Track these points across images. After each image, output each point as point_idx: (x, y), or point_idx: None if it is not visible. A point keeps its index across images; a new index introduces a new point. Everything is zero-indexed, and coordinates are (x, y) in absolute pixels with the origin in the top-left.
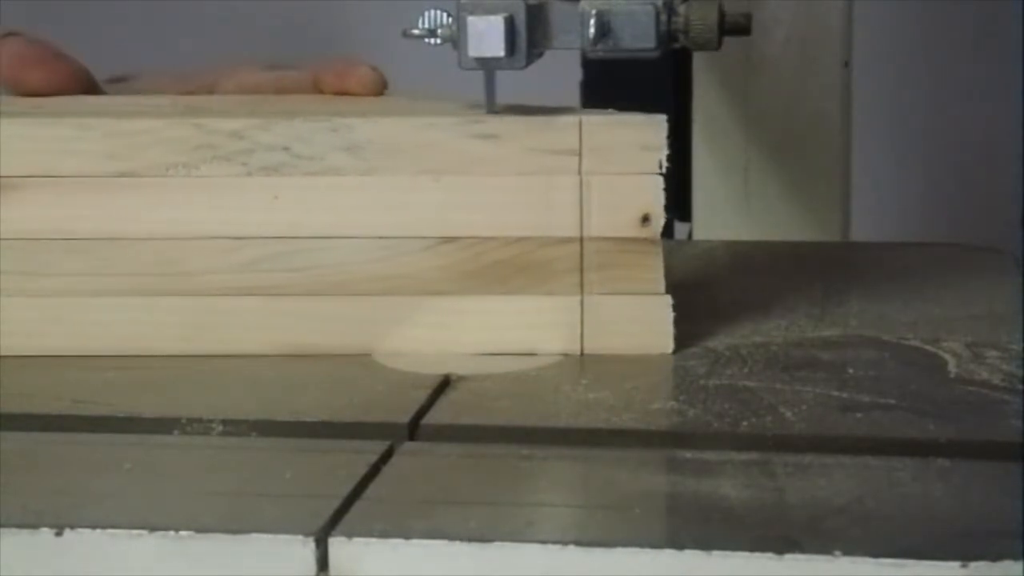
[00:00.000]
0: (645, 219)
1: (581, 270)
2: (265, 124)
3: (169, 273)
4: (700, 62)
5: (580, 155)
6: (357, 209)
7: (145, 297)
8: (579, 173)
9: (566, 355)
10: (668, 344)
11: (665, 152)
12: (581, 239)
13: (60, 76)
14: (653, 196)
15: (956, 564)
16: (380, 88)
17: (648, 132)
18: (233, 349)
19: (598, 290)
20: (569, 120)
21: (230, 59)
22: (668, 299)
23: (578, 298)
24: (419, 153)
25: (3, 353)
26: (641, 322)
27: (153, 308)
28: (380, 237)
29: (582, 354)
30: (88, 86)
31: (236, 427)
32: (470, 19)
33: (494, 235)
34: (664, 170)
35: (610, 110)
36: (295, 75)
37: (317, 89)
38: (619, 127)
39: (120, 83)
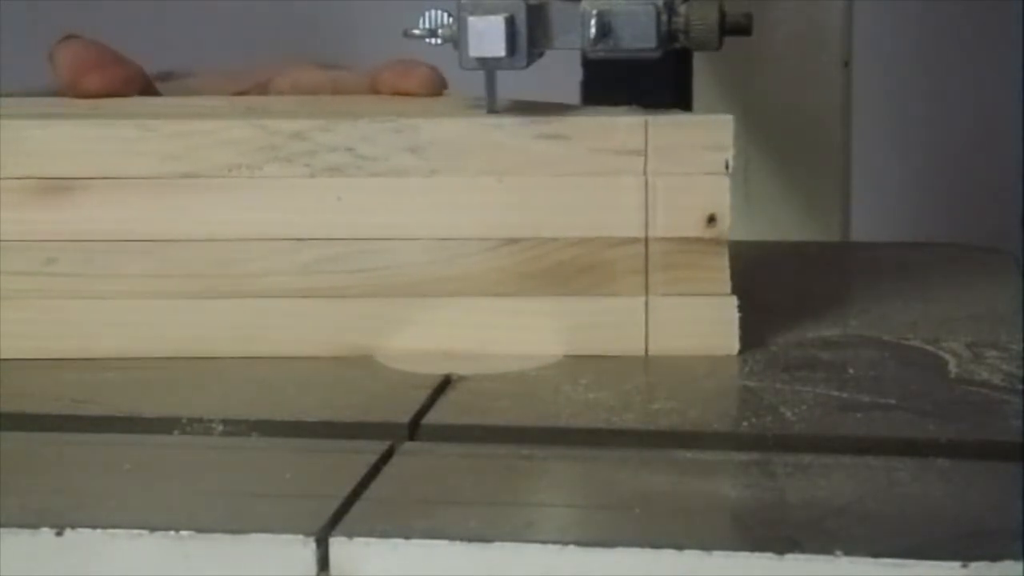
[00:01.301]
0: (711, 219)
1: (646, 271)
2: (328, 125)
3: (230, 275)
4: (700, 62)
5: (645, 155)
6: (420, 210)
7: (206, 299)
8: (644, 173)
9: (630, 356)
10: (734, 345)
11: (731, 152)
12: (646, 240)
13: (118, 80)
14: (719, 196)
15: (956, 564)
16: (439, 88)
17: (714, 132)
18: (294, 351)
19: (663, 291)
20: (635, 120)
21: (285, 58)
22: (734, 300)
23: (642, 299)
24: (483, 154)
25: (63, 356)
26: (706, 323)
27: (214, 310)
28: (443, 238)
29: (646, 355)
30: (145, 89)
31: (236, 427)
32: (470, 19)
33: (557, 236)
34: (731, 170)
35: (675, 110)
36: (352, 75)
37: (374, 89)
38: (685, 127)
39: (169, 81)
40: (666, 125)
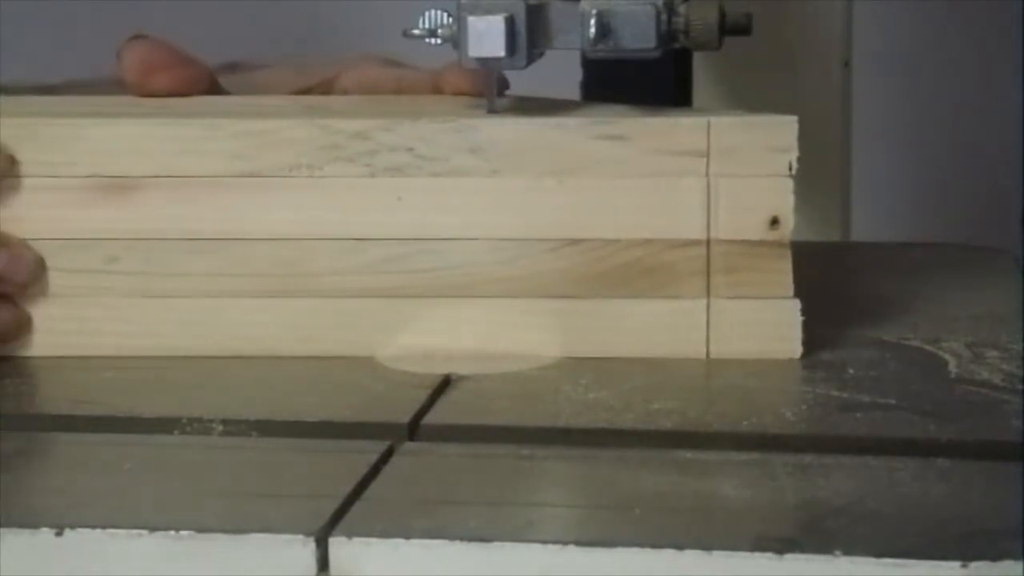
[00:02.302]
0: (774, 222)
1: (708, 273)
2: (389, 125)
3: (291, 274)
4: (700, 62)
5: (708, 156)
6: (481, 210)
7: (267, 298)
8: (706, 175)
9: (690, 359)
10: (796, 349)
11: (795, 154)
12: (708, 242)
13: (184, 80)
14: (782, 198)
15: (956, 564)
16: (502, 89)
17: (778, 133)
18: (354, 351)
19: (725, 294)
20: (697, 121)
21: (353, 54)
22: (797, 303)
23: (704, 301)
24: (543, 154)
25: (125, 354)
26: (769, 326)
27: (275, 309)
28: (503, 239)
29: (708, 358)
30: (210, 89)
31: (236, 427)
32: (470, 19)
33: (619, 237)
34: (794, 172)
35: (739, 111)
36: (416, 74)
37: (437, 89)
38: (748, 128)
39: (235, 72)
40: (729, 126)
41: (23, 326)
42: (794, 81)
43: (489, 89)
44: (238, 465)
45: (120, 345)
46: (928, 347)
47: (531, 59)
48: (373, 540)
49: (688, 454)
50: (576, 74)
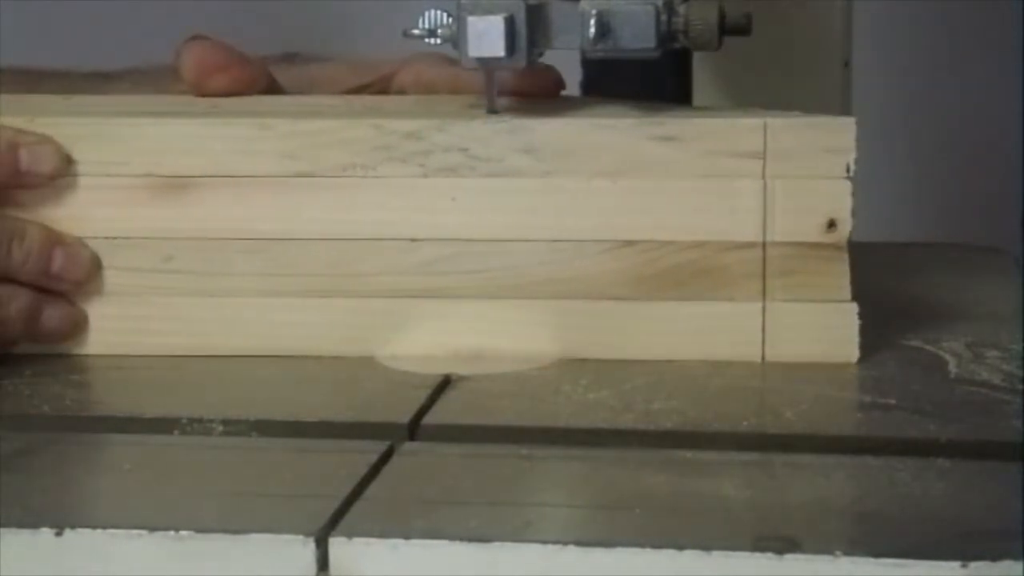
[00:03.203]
0: (831, 224)
1: (763, 276)
2: (443, 125)
3: (344, 274)
4: (700, 62)
5: (764, 158)
6: (534, 211)
7: (321, 298)
8: (763, 177)
9: (748, 362)
10: (853, 353)
11: (853, 155)
12: (763, 244)
13: (241, 81)
14: (840, 201)
15: (956, 564)
16: (557, 89)
17: (836, 134)
18: (407, 351)
19: (781, 296)
20: (753, 122)
21: (409, 52)
22: (854, 307)
23: (759, 304)
24: (597, 155)
25: (179, 353)
26: (825, 330)
27: (327, 309)
28: (556, 240)
29: (763, 362)
30: (267, 89)
31: (236, 427)
32: (470, 19)
33: (673, 239)
34: (852, 174)
35: (795, 112)
36: (472, 73)
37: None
38: (806, 129)
39: (292, 65)
40: (786, 127)
41: (78, 324)
42: (794, 81)
43: (489, 89)
44: (238, 465)
45: (174, 344)
46: (928, 347)
47: (531, 59)
48: (373, 540)
49: (688, 454)
50: (576, 74)
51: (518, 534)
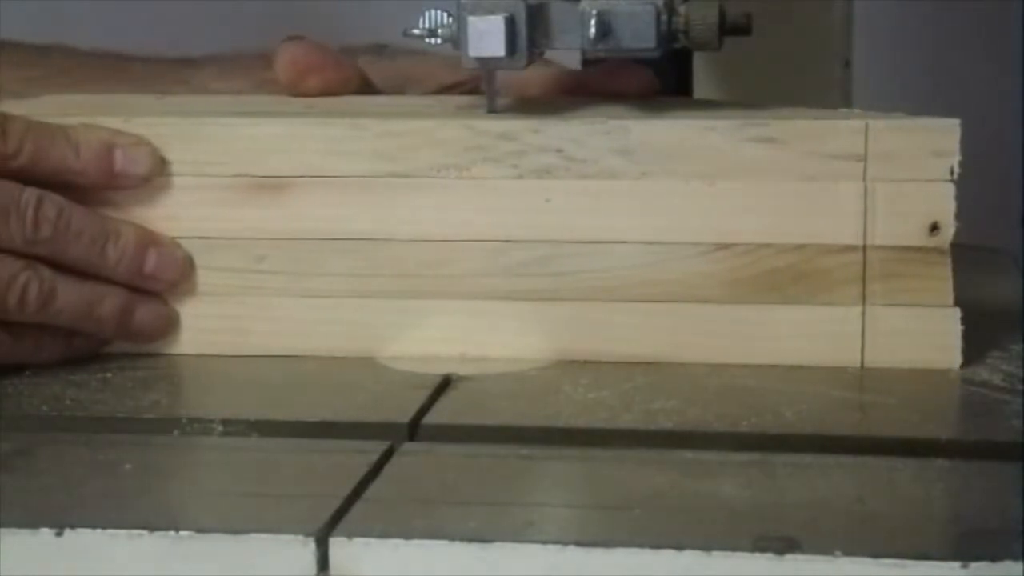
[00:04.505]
0: (934, 228)
1: (863, 280)
2: (537, 126)
3: (437, 275)
4: (700, 62)
5: (865, 160)
6: (629, 213)
7: (413, 299)
8: (863, 179)
9: (843, 367)
10: (955, 359)
11: (958, 158)
12: (864, 248)
13: (335, 82)
14: (943, 204)
15: (956, 564)
16: (652, 89)
17: (940, 137)
18: (500, 353)
19: (881, 301)
20: (854, 124)
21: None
22: (956, 312)
23: (859, 309)
24: (694, 157)
25: (271, 353)
26: (927, 335)
27: (421, 310)
28: (651, 242)
29: (862, 367)
30: (361, 89)
31: (236, 427)
32: (470, 19)
33: (770, 242)
34: (956, 176)
35: (898, 113)
36: (561, 72)
37: (583, 88)
38: (908, 132)
39: (382, 57)
40: (888, 129)
41: (171, 324)
42: (794, 81)
43: (489, 89)
44: (238, 465)
45: (266, 344)
46: None
47: (531, 59)
48: (373, 540)
49: (688, 454)
50: None
51: (518, 534)
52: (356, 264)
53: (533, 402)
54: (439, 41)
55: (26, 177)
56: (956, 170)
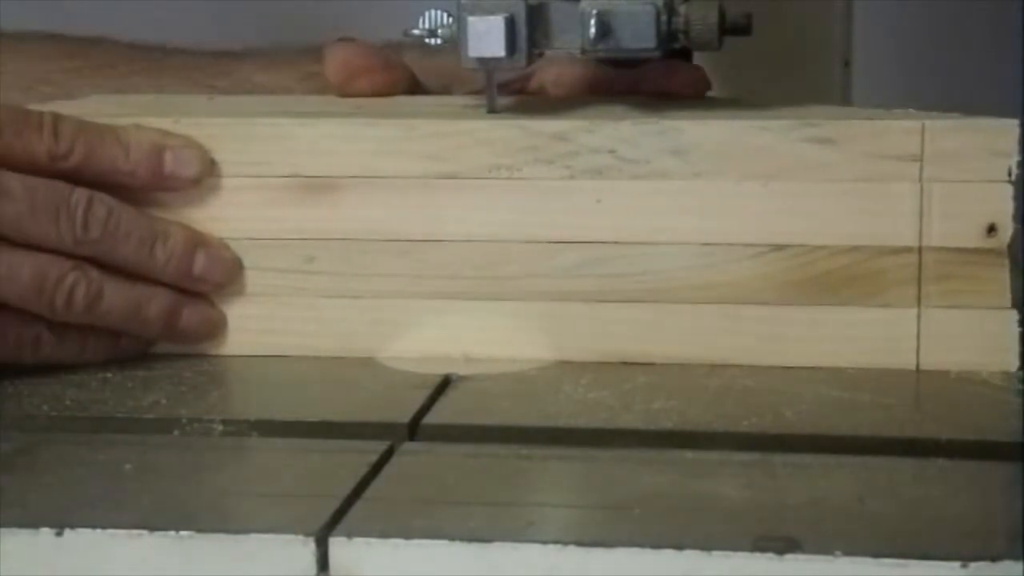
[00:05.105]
0: (991, 229)
1: (919, 282)
2: (591, 126)
3: (489, 276)
4: (700, 62)
5: (922, 161)
6: (682, 214)
7: (464, 300)
8: (920, 180)
9: (898, 370)
10: (1013, 362)
11: (1016, 158)
12: (920, 249)
13: (385, 84)
14: (1001, 205)
15: (956, 564)
16: (704, 89)
17: (998, 137)
18: (554, 355)
19: (937, 303)
20: (911, 124)
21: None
22: (1014, 314)
23: (915, 311)
24: (749, 157)
25: (320, 354)
26: (984, 338)
27: (472, 311)
28: (705, 244)
29: (917, 370)
30: (411, 91)
31: (236, 427)
32: (470, 19)
33: (825, 244)
34: (1014, 177)
35: (954, 113)
36: (614, 72)
37: (636, 88)
38: (966, 132)
39: (426, 54)
40: (945, 129)
41: (217, 325)
42: (794, 81)
43: (490, 89)
44: (238, 465)
45: (315, 345)
46: None
47: (531, 59)
48: (373, 540)
49: (688, 454)
50: None
51: (518, 534)
52: (406, 265)
53: (533, 402)
54: (439, 41)
55: (77, 177)
56: (1015, 171)
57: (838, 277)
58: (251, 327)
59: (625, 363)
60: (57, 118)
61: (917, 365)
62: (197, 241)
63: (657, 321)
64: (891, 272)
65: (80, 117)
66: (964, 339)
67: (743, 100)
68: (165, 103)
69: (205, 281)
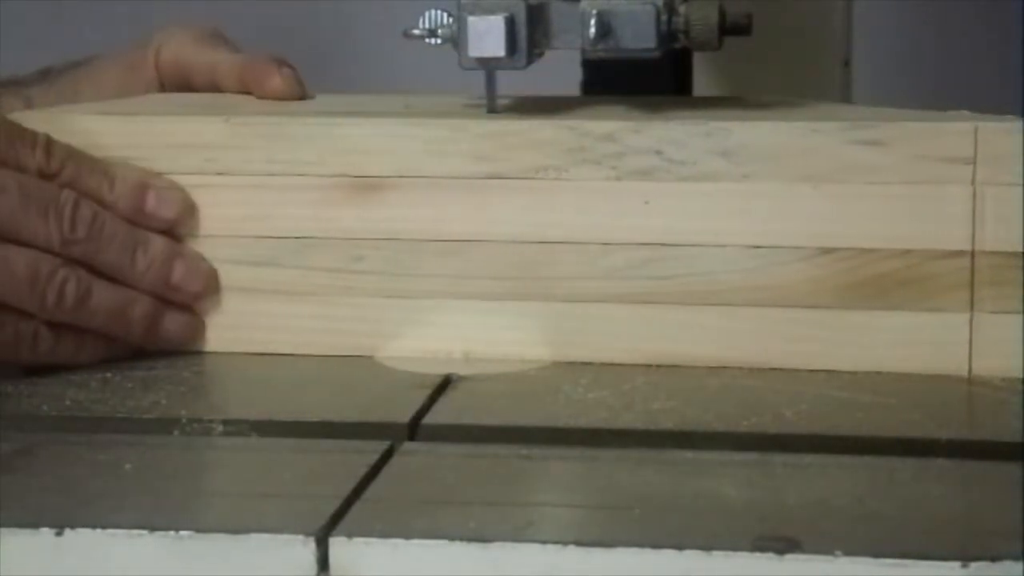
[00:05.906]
0: None
1: (971, 286)
2: (638, 127)
3: (535, 277)
4: (700, 62)
5: (975, 164)
6: (730, 216)
7: (511, 301)
8: (972, 183)
9: (948, 376)
10: None
11: None
12: (972, 253)
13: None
14: None
15: (956, 564)
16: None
17: None
18: (599, 357)
19: (990, 308)
20: (963, 127)
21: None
22: None
23: (967, 316)
24: (798, 159)
25: (365, 353)
26: None
27: (518, 312)
28: (753, 246)
29: (969, 375)
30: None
31: (236, 427)
32: (470, 19)
33: (876, 247)
34: None
35: (1009, 116)
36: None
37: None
38: (1019, 134)
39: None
40: (998, 132)
41: (197, 331)
42: (794, 81)
43: (490, 89)
44: (238, 465)
45: (363, 344)
46: None
47: (531, 59)
48: (373, 540)
49: (688, 454)
50: (576, 74)
51: (518, 534)
52: (453, 266)
53: (533, 402)
54: (439, 41)
55: None
56: None
57: (889, 281)
58: (301, 326)
59: (675, 366)
60: (49, 140)
61: (969, 370)
62: (176, 252)
63: (705, 323)
64: (943, 276)
65: (70, 145)
66: (1017, 344)
67: (788, 100)
68: (213, 103)
69: (182, 291)
